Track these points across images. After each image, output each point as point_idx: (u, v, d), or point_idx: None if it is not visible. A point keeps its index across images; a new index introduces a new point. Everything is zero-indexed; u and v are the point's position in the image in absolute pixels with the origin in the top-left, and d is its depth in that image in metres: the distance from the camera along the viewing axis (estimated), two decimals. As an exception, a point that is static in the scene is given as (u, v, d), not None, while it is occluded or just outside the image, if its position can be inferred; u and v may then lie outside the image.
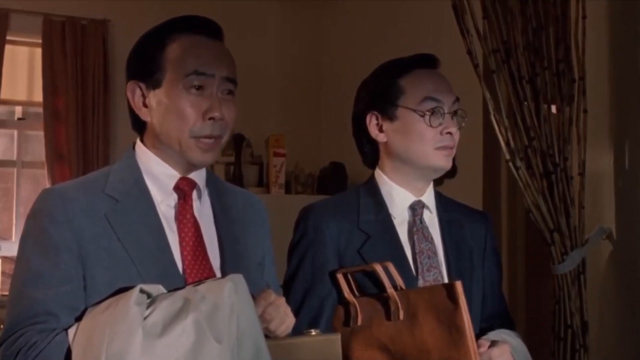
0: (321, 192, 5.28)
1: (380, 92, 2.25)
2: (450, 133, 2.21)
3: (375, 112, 2.26)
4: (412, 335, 2.04)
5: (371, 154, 2.32)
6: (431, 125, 2.19)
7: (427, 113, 2.19)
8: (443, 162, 2.22)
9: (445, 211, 2.33)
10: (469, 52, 3.43)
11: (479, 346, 2.07)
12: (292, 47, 5.97)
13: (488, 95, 3.42)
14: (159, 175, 1.90)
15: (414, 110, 2.20)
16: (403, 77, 2.24)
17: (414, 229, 2.24)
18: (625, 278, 3.42)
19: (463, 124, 2.26)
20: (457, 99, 2.25)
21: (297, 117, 5.89)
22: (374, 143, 2.29)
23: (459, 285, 2.02)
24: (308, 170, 5.54)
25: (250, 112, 5.15)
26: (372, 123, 2.26)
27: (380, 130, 2.26)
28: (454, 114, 2.23)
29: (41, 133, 5.37)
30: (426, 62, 2.28)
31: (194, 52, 1.86)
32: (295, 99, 5.95)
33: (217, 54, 1.89)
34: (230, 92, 1.90)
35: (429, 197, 2.30)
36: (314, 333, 1.89)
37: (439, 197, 2.34)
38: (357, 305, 2.13)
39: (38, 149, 5.51)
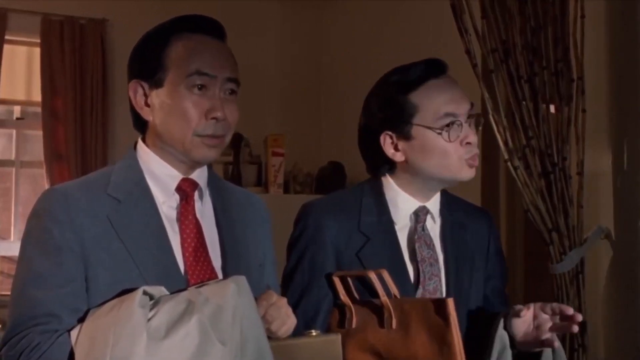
0: (320, 191, 5.28)
1: (393, 111, 2.18)
2: (470, 143, 2.16)
3: (389, 132, 2.19)
4: (405, 346, 2.03)
5: (387, 170, 2.25)
6: (450, 140, 2.14)
7: (445, 129, 2.13)
8: (469, 173, 2.19)
9: (450, 213, 2.29)
10: (468, 52, 3.43)
11: (520, 311, 2.07)
12: (292, 47, 5.97)
13: (486, 95, 3.43)
14: (160, 175, 1.90)
15: (430, 128, 2.15)
16: (414, 93, 2.16)
17: (416, 237, 2.21)
18: (624, 278, 3.42)
19: (480, 127, 2.21)
20: (472, 105, 2.20)
21: (296, 116, 5.90)
22: (391, 161, 2.23)
23: (450, 302, 1.99)
24: (306, 170, 5.54)
25: (249, 111, 5.12)
26: (387, 143, 2.20)
27: (396, 149, 2.20)
28: (470, 119, 2.18)
29: (40, 133, 5.37)
30: (435, 71, 2.20)
31: (197, 51, 1.86)
32: (294, 99, 5.95)
33: (219, 53, 1.89)
34: (233, 92, 1.90)
35: (434, 204, 2.26)
36: (314, 334, 1.89)
37: (445, 198, 2.30)
38: (353, 309, 2.12)
39: (37, 148, 5.51)
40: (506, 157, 3.41)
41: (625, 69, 3.43)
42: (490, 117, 3.42)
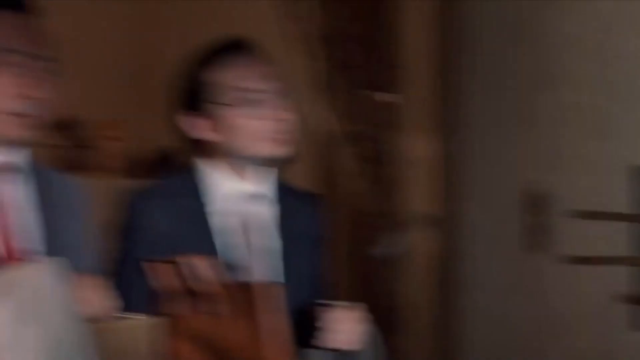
0: (150, 177, 5.22)
1: (188, 90, 2.18)
2: (274, 118, 2.14)
3: (190, 112, 2.17)
4: (224, 332, 2.00)
5: (201, 152, 2.22)
6: (247, 117, 2.12)
7: (239, 106, 2.12)
8: (273, 150, 2.15)
9: (280, 197, 2.27)
10: (294, 37, 3.46)
11: (321, 315, 2.10)
12: (128, 33, 5.87)
13: (310, 81, 3.46)
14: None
15: (225, 105, 2.13)
16: (208, 70, 2.15)
17: (242, 221, 2.19)
18: (446, 261, 3.54)
19: (289, 107, 2.18)
20: (277, 80, 2.17)
21: (131, 101, 5.81)
22: (199, 142, 2.20)
23: (262, 287, 1.96)
24: (140, 155, 5.48)
25: (85, 94, 5.05)
26: (189, 123, 2.19)
27: (199, 129, 2.18)
28: (272, 96, 2.15)
29: None
30: (232, 48, 2.18)
31: (2, 28, 1.81)
32: (129, 83, 5.86)
33: (24, 28, 1.84)
34: (47, 70, 1.86)
35: (260, 186, 2.23)
36: (131, 317, 1.88)
37: (275, 181, 2.27)
38: (174, 296, 2.09)
39: None
40: (330, 142, 3.45)
41: (448, 58, 3.53)
42: (315, 103, 3.46)
